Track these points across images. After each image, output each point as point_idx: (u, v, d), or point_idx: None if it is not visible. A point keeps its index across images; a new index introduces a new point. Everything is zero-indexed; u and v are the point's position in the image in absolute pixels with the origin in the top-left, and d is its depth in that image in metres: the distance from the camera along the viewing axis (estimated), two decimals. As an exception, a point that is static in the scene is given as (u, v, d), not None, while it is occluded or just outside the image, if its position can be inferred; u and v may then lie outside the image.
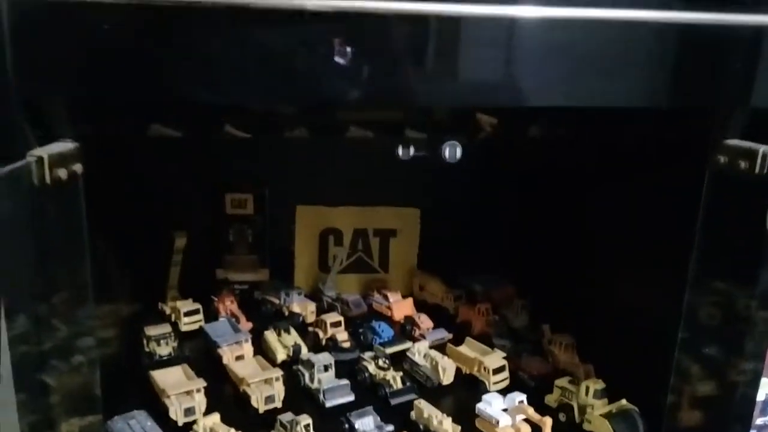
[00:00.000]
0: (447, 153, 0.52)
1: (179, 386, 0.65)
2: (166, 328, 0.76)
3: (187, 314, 0.82)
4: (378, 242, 0.97)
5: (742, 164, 0.53)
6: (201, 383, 0.65)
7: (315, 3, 0.43)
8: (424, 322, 0.84)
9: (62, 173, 0.44)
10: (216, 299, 0.87)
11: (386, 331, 0.81)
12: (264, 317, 0.87)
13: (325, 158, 0.89)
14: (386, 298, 0.90)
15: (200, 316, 0.83)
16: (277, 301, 0.89)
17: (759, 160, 0.51)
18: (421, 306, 0.91)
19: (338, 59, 0.44)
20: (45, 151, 0.43)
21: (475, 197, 0.93)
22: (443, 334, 0.82)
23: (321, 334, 0.81)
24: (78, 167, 0.46)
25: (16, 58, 0.41)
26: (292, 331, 0.79)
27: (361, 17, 0.44)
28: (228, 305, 0.86)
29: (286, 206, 0.93)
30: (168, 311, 0.85)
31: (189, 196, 0.88)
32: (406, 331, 0.84)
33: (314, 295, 0.92)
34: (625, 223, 0.71)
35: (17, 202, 0.41)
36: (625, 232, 0.71)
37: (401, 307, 0.89)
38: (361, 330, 0.82)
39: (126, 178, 0.76)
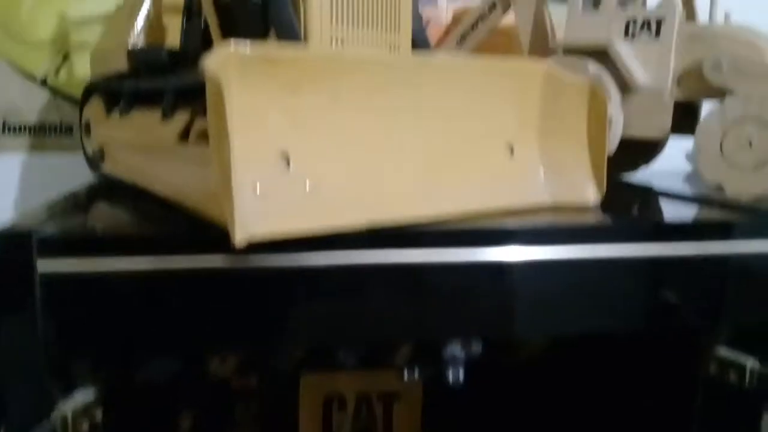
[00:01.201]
0: (451, 377, 0.55)
1: None
2: None
3: (192, 499, 0.82)
4: (382, 407, 0.98)
5: (732, 377, 0.55)
6: None
7: (317, 262, 0.47)
8: (431, 500, 0.84)
9: (84, 426, 0.46)
10: (221, 478, 0.87)
11: None
12: (269, 496, 0.86)
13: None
14: (391, 470, 0.90)
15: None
16: (282, 478, 0.88)
17: (748, 375, 0.54)
18: (426, 475, 0.91)
19: (340, 306, 0.48)
20: (69, 408, 0.45)
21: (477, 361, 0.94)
22: None
23: None
24: (99, 415, 0.48)
25: (45, 325, 0.44)
26: None
27: (359, 270, 0.48)
28: (233, 484, 0.86)
29: (290, 376, 0.94)
30: (173, 496, 0.84)
31: (193, 373, 0.90)
32: None
33: (319, 466, 0.92)
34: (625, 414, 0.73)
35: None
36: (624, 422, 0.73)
37: (407, 482, 0.88)
38: None
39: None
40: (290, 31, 0.49)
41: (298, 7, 0.50)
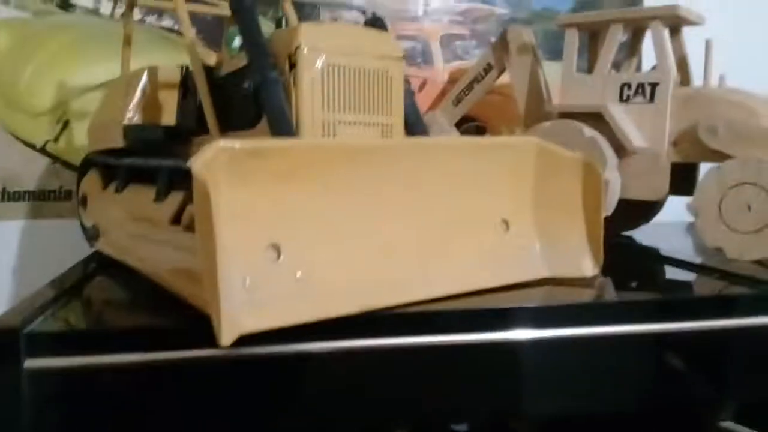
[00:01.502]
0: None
1: None
2: None
3: None
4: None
5: (740, 454, 0.54)
6: None
7: (312, 349, 0.46)
8: None
9: None
10: None
11: None
12: None
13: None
14: None
15: None
16: None
17: (755, 454, 0.53)
18: None
19: (337, 392, 0.47)
20: None
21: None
22: None
23: None
24: None
25: (33, 420, 0.44)
26: None
27: (355, 354, 0.47)
28: None
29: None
30: None
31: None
32: None
33: None
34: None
35: None
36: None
37: None
38: None
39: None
40: (281, 116, 0.49)
41: (289, 92, 0.50)
